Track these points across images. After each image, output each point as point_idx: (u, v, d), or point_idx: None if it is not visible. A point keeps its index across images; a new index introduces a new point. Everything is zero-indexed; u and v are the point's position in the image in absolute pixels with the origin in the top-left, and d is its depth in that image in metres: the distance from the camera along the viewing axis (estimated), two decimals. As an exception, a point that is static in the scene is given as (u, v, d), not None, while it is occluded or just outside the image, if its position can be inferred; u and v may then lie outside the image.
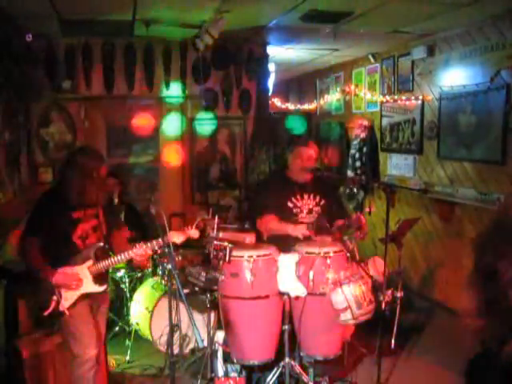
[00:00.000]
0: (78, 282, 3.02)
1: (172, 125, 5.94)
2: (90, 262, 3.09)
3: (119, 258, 3.15)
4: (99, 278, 3.14)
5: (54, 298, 2.98)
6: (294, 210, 3.76)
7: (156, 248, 3.18)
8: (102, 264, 3.12)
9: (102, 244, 3.18)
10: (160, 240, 3.17)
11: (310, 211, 3.79)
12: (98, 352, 3.16)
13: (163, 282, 4.21)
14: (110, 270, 4.49)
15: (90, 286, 3.09)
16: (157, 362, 4.12)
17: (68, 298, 3.02)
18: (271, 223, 3.69)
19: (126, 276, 4.62)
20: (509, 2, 4.09)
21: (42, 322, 3.18)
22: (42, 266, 2.99)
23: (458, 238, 5.13)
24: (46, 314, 2.99)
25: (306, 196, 3.80)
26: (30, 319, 3.53)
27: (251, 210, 3.99)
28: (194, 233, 3.25)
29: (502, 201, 1.13)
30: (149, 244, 3.15)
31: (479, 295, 1.01)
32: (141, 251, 3.12)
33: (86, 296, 3.10)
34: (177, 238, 3.17)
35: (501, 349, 0.97)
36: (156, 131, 5.89)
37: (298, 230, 3.59)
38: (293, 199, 3.77)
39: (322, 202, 3.81)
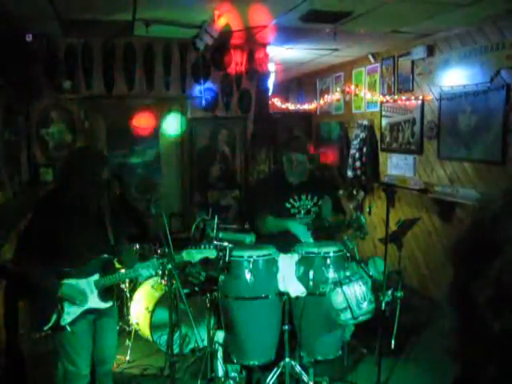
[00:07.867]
0: (82, 297, 2.79)
1: (172, 125, 5.94)
2: (96, 276, 2.85)
3: (128, 274, 2.99)
4: (105, 293, 2.89)
5: (56, 311, 2.75)
6: (292, 211, 3.76)
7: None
8: (109, 278, 2.88)
9: (109, 256, 2.93)
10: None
11: (308, 212, 3.79)
12: (99, 369, 3.04)
13: (163, 281, 4.21)
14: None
15: (95, 302, 2.84)
16: (157, 362, 4.12)
17: (71, 313, 2.77)
18: (271, 222, 3.70)
19: (126, 276, 4.62)
20: (509, 2, 4.08)
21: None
22: (45, 275, 2.74)
23: (458, 238, 5.11)
24: (45, 328, 2.76)
25: (303, 197, 3.79)
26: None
27: (249, 210, 3.98)
28: (210, 252, 3.12)
29: (477, 209, 0.99)
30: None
31: (455, 317, 0.90)
32: (149, 272, 2.97)
33: (90, 312, 2.85)
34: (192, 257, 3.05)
35: (477, 379, 0.88)
36: (156, 131, 5.89)
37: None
38: (290, 200, 3.77)
39: (320, 203, 3.81)
